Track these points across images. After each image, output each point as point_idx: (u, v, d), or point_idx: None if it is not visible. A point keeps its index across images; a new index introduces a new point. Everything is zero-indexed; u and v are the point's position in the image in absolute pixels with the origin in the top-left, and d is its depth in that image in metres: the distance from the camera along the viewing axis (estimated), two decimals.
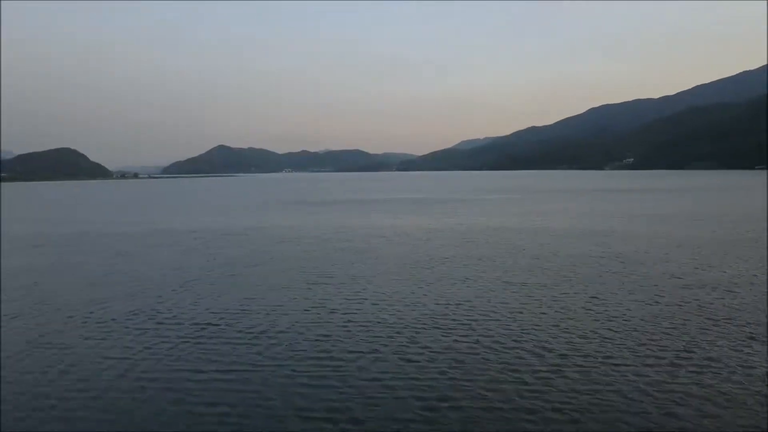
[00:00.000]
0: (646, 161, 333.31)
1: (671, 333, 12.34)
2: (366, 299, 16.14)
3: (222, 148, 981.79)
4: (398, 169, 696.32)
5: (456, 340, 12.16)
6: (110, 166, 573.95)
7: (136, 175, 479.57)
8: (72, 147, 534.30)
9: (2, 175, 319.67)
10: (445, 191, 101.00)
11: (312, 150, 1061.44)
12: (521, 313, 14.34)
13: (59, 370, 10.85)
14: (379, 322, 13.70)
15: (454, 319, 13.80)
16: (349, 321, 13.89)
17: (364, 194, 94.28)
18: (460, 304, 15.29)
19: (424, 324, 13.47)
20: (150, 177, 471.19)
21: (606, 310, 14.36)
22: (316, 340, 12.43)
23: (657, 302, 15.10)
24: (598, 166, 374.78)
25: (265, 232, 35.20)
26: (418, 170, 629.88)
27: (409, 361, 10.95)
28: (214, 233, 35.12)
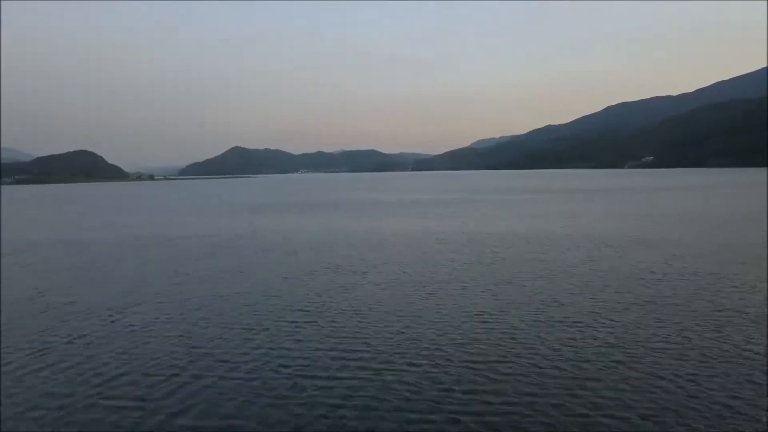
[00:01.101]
0: (664, 159, 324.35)
1: None
2: (357, 353, 11.98)
3: (238, 149, 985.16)
4: (413, 169, 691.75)
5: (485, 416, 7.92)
6: (128, 167, 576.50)
7: (152, 177, 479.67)
8: (90, 149, 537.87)
9: (18, 177, 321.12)
10: (461, 191, 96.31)
11: (327, 150, 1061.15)
12: (560, 378, 10.05)
13: None
14: (377, 395, 9.51)
15: (470, 386, 9.58)
16: (334, 395, 9.71)
17: (375, 195, 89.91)
18: (475, 362, 11.05)
19: (440, 396, 9.26)
20: (166, 178, 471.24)
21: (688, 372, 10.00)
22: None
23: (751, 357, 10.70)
24: (616, 165, 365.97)
25: (253, 240, 31.18)
26: (434, 170, 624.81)
27: None
28: (195, 240, 31.17)
